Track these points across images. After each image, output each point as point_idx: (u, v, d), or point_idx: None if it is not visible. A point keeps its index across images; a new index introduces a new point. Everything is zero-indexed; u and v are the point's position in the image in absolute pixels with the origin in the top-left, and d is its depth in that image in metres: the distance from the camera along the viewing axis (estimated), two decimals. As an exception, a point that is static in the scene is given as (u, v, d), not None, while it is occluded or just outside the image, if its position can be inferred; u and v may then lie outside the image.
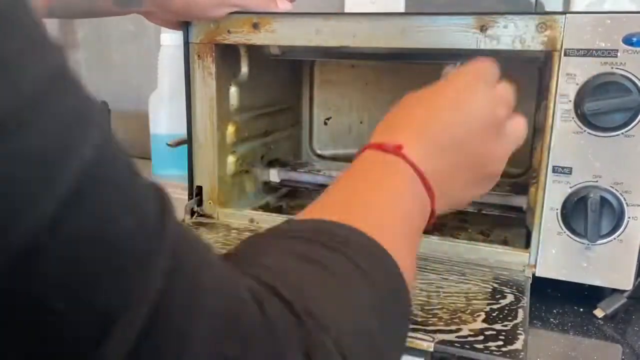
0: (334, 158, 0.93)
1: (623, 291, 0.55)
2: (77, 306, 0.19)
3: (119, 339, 0.19)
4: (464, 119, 0.41)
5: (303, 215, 0.35)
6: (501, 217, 0.73)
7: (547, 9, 0.80)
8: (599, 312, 0.55)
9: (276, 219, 0.67)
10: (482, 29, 0.54)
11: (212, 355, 0.21)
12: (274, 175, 0.83)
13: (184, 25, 0.65)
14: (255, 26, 0.62)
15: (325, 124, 0.94)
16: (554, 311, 0.56)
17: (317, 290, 0.27)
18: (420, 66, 0.86)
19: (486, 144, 0.42)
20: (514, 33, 0.53)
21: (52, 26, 1.19)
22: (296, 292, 0.26)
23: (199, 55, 0.65)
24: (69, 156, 0.18)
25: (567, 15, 0.51)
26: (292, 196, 0.83)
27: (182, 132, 0.92)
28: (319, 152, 0.95)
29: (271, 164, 0.83)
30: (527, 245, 0.58)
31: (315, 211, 0.35)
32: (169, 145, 0.97)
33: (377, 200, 0.36)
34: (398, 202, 0.37)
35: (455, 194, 0.43)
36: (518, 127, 0.45)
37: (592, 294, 0.57)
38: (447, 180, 0.40)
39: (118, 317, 0.19)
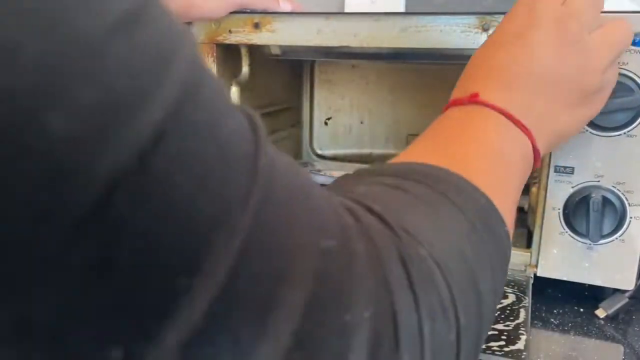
0: (335, 158, 0.93)
1: (624, 291, 0.55)
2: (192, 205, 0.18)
3: (219, 252, 0.18)
4: (530, 48, 0.39)
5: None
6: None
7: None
8: (600, 313, 0.55)
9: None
10: (484, 28, 0.54)
11: (311, 245, 0.21)
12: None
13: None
14: (256, 26, 0.61)
15: (326, 124, 0.94)
16: (554, 311, 0.56)
17: (411, 212, 0.27)
18: (422, 66, 0.86)
19: (566, 62, 0.39)
20: (516, 33, 0.53)
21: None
22: (390, 211, 0.26)
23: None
24: (175, 56, 0.19)
25: (569, 14, 0.51)
26: (292, 196, 0.83)
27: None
28: (319, 152, 0.95)
29: (272, 164, 0.83)
30: (529, 245, 0.58)
31: (414, 153, 0.34)
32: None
33: (466, 147, 0.35)
34: (488, 146, 0.35)
35: (559, 125, 0.41)
36: (609, 32, 0.42)
37: (592, 294, 0.57)
38: (542, 114, 0.38)
39: (222, 223, 0.19)
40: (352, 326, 0.21)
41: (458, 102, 0.39)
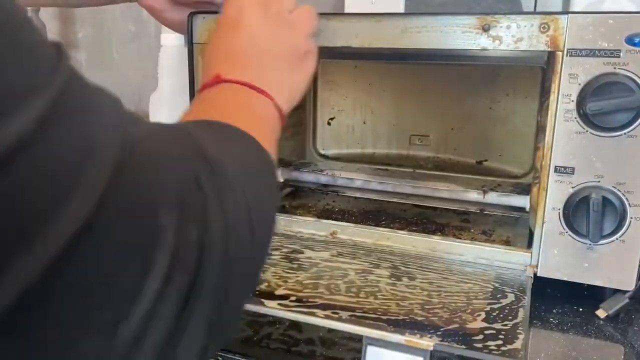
0: (338, 158, 0.94)
1: (625, 292, 0.55)
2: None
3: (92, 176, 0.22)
4: (246, 31, 0.49)
5: None
6: (503, 217, 0.73)
7: (547, 9, 0.80)
8: (601, 313, 0.55)
9: (279, 219, 0.67)
10: (485, 29, 0.54)
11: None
12: (277, 175, 0.83)
13: (188, 26, 0.65)
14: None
15: (329, 124, 0.94)
16: (554, 311, 0.56)
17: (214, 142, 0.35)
18: (424, 66, 0.86)
19: (277, 35, 0.50)
20: (517, 33, 0.53)
21: (53, 26, 1.20)
22: (207, 150, 0.32)
23: (203, 56, 0.66)
24: None
25: (570, 15, 0.51)
26: (295, 195, 0.84)
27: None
28: (322, 152, 0.95)
29: (274, 163, 0.83)
30: (529, 245, 0.58)
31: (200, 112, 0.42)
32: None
33: (228, 111, 0.42)
34: (245, 108, 0.44)
35: (290, 83, 0.50)
36: (303, 13, 0.53)
37: (591, 294, 0.57)
38: (273, 77, 0.48)
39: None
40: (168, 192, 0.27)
41: (207, 86, 0.45)
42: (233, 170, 0.33)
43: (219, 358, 0.49)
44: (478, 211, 0.74)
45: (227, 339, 0.34)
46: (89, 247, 0.22)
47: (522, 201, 0.71)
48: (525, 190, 0.74)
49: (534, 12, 0.72)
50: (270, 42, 0.49)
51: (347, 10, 0.83)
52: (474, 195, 0.74)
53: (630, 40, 0.50)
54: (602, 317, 0.55)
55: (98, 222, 0.22)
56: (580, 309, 0.57)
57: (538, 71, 0.78)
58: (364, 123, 0.91)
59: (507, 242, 0.64)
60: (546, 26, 0.52)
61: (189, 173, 0.29)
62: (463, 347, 0.40)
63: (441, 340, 0.40)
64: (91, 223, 0.22)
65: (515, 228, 0.70)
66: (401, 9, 0.78)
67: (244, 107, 0.44)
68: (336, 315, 0.44)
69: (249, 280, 0.34)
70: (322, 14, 0.59)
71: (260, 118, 0.44)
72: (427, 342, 0.40)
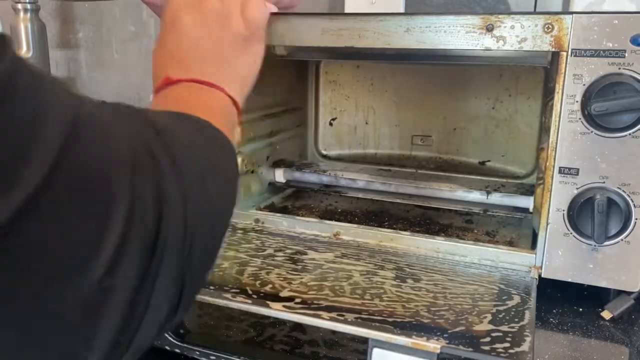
0: (339, 158, 0.93)
1: (629, 293, 0.55)
2: None
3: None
4: (180, 32, 0.50)
5: None
6: (507, 217, 0.73)
7: (546, 9, 0.80)
8: (606, 314, 0.55)
9: (281, 219, 0.67)
10: (488, 29, 0.54)
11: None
12: (280, 176, 0.83)
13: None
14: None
15: (331, 124, 0.94)
16: (554, 311, 0.56)
17: (177, 128, 0.37)
18: (426, 67, 0.86)
19: (208, 27, 0.50)
20: (520, 33, 0.53)
21: (53, 26, 1.20)
22: (164, 135, 0.33)
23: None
24: None
25: (574, 15, 0.51)
26: (297, 196, 0.83)
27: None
28: (324, 152, 0.95)
29: (277, 164, 0.83)
30: (533, 246, 0.58)
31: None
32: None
33: (185, 108, 0.43)
34: (201, 104, 0.45)
35: (240, 69, 0.51)
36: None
37: (590, 294, 0.57)
38: (219, 68, 0.49)
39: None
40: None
41: (159, 89, 0.47)
42: (186, 140, 0.35)
43: (223, 360, 0.49)
44: (481, 212, 0.74)
45: (197, 292, 0.36)
46: (47, 207, 0.24)
47: (526, 202, 0.71)
48: (528, 190, 0.74)
49: (538, 12, 0.72)
50: (206, 36, 0.50)
51: (347, 11, 0.83)
52: (477, 196, 0.74)
53: (635, 41, 0.49)
54: (607, 318, 0.54)
55: (54, 183, 0.24)
56: (581, 309, 0.56)
57: (540, 71, 0.78)
58: (366, 123, 0.91)
59: (510, 243, 0.64)
60: (550, 26, 0.52)
61: (139, 139, 0.31)
62: (470, 349, 0.39)
63: (448, 343, 0.40)
64: (47, 185, 0.24)
65: (519, 229, 0.69)
66: (401, 9, 0.78)
67: (197, 101, 0.46)
68: (342, 318, 0.44)
69: (212, 238, 0.36)
70: (326, 14, 0.59)
71: (214, 109, 0.46)
72: (434, 345, 0.40)
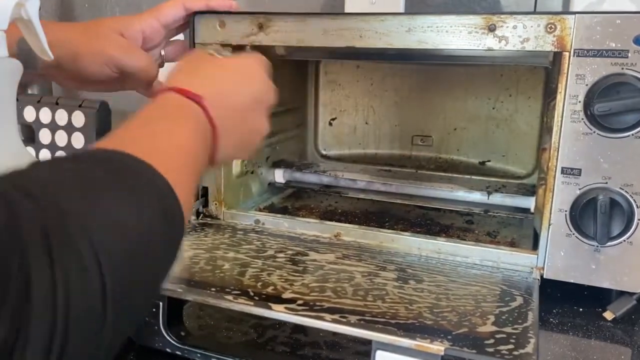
0: (339, 159, 0.93)
1: (632, 294, 0.55)
2: None
3: None
4: (249, 91, 0.49)
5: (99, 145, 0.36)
6: (507, 218, 0.73)
7: (546, 10, 0.80)
8: (608, 315, 0.54)
9: (282, 220, 0.67)
10: (491, 29, 0.53)
11: None
12: (279, 176, 0.82)
13: (191, 27, 0.65)
14: (261, 27, 0.61)
15: (331, 124, 0.93)
16: (554, 311, 0.56)
17: (73, 192, 0.29)
18: (426, 67, 0.85)
19: (255, 116, 0.50)
20: (523, 33, 0.52)
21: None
22: (49, 193, 0.28)
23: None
24: None
25: (577, 15, 0.51)
26: (297, 197, 0.83)
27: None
28: (324, 152, 0.94)
29: (276, 164, 0.83)
30: (535, 247, 0.58)
31: (107, 142, 0.36)
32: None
33: (166, 136, 0.39)
34: (186, 140, 0.40)
35: (231, 150, 0.48)
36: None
37: (592, 295, 0.57)
38: (229, 135, 0.46)
39: None
40: None
41: (184, 93, 0.44)
42: (108, 246, 0.28)
43: (225, 362, 0.49)
44: (482, 212, 0.73)
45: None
46: None
47: (527, 202, 0.71)
48: (529, 191, 0.74)
49: (541, 12, 0.71)
50: (252, 113, 0.50)
51: (347, 11, 0.82)
52: (478, 196, 0.74)
53: (638, 41, 0.49)
54: (609, 319, 0.54)
55: None
56: (581, 310, 0.56)
57: (541, 71, 0.78)
58: (366, 123, 0.91)
59: (512, 244, 0.64)
60: (553, 26, 0.52)
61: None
62: (474, 351, 0.39)
63: (452, 345, 0.40)
64: None
65: (520, 229, 0.69)
66: (401, 9, 0.78)
67: (186, 137, 0.41)
68: (345, 320, 0.44)
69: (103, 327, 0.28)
70: (326, 14, 0.59)
71: (194, 152, 0.41)
72: (438, 347, 0.39)
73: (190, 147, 0.41)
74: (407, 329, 0.42)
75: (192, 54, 0.54)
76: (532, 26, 0.52)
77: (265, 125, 0.53)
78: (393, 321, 0.44)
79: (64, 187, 0.29)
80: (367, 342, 0.42)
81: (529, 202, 0.71)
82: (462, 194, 0.75)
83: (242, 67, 0.52)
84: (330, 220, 0.70)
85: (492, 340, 0.41)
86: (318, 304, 0.47)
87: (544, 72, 0.77)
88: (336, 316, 0.44)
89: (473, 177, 0.83)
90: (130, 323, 0.32)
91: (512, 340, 0.41)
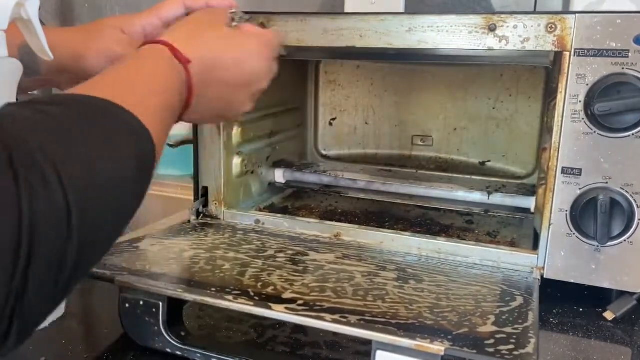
0: (339, 159, 0.93)
1: (632, 294, 0.55)
2: None
3: None
4: (242, 72, 0.50)
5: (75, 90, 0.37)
6: (507, 218, 0.73)
7: (546, 10, 0.80)
8: (609, 315, 0.54)
9: (282, 220, 0.67)
10: (491, 29, 0.53)
11: None
12: (280, 176, 0.82)
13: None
14: (262, 26, 0.61)
15: (331, 124, 0.93)
16: (554, 311, 0.56)
17: (40, 129, 0.30)
18: (426, 66, 0.85)
19: (240, 95, 0.51)
20: (523, 33, 0.52)
21: (52, 26, 1.19)
22: (18, 130, 0.29)
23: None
24: None
25: (577, 15, 0.51)
26: (297, 197, 0.83)
27: (183, 132, 0.91)
28: (324, 152, 0.94)
29: (276, 164, 0.83)
30: (535, 247, 0.58)
31: (82, 89, 0.37)
32: (170, 145, 0.96)
33: (138, 78, 0.40)
34: (163, 91, 0.41)
35: (199, 116, 0.50)
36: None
37: (592, 295, 0.57)
38: (203, 103, 0.47)
39: None
40: None
41: (174, 52, 0.44)
42: (71, 170, 0.29)
43: (225, 362, 0.49)
44: (482, 212, 0.73)
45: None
46: None
47: (527, 202, 0.71)
48: (529, 191, 0.74)
49: (541, 12, 0.71)
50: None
51: (347, 10, 0.82)
52: (478, 196, 0.74)
53: (638, 40, 0.49)
54: (609, 319, 0.54)
55: None
56: (581, 310, 0.56)
57: (541, 71, 0.78)
58: (366, 123, 0.91)
59: (512, 244, 0.64)
60: (553, 26, 0.52)
61: None
62: (475, 352, 0.39)
63: (452, 345, 0.40)
64: None
65: (520, 229, 0.69)
66: (401, 9, 0.78)
67: (160, 80, 0.42)
68: (345, 320, 0.43)
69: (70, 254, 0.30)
70: (327, 14, 0.59)
71: (161, 86, 0.42)
72: (438, 347, 0.39)
73: (168, 100, 0.42)
74: (407, 329, 0.42)
75: (207, 13, 0.54)
76: (532, 26, 0.52)
77: (247, 106, 0.53)
78: (393, 321, 0.44)
79: (37, 129, 0.30)
80: (367, 342, 0.42)
81: (529, 202, 0.71)
82: (462, 194, 0.75)
83: (246, 45, 0.51)
84: (331, 220, 0.70)
85: (492, 341, 0.41)
86: (318, 304, 0.46)
87: (545, 72, 0.77)
88: (336, 316, 0.44)
89: (473, 177, 0.83)
90: (90, 262, 0.32)
91: (513, 341, 0.41)
